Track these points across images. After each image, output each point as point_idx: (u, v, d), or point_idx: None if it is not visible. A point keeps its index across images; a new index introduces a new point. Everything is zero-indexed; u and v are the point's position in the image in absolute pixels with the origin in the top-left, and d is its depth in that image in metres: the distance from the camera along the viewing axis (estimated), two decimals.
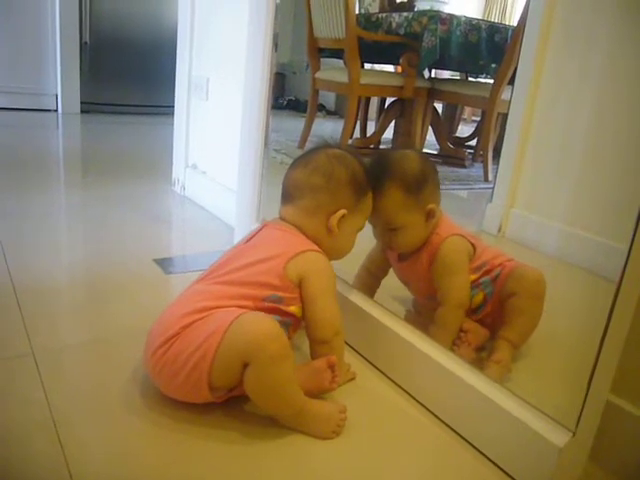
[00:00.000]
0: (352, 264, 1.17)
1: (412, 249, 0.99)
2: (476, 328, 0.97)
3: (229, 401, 0.80)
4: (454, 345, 0.94)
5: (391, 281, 1.10)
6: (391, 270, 1.10)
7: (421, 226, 0.97)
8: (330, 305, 0.86)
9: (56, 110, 3.62)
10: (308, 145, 2.97)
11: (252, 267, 0.83)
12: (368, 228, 0.99)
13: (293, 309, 0.84)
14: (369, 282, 1.10)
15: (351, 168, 0.90)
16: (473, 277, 0.98)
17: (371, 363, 0.99)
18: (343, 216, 0.88)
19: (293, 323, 0.86)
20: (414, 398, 0.90)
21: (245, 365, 0.72)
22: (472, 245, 0.99)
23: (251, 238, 0.91)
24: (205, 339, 0.73)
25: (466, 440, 0.81)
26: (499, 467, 0.76)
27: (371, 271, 1.10)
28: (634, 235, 0.63)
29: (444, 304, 0.96)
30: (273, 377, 0.73)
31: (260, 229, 0.92)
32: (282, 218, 0.91)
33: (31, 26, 3.44)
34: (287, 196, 0.91)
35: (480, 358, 0.93)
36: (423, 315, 1.04)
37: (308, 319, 0.86)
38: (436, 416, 0.86)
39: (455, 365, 0.84)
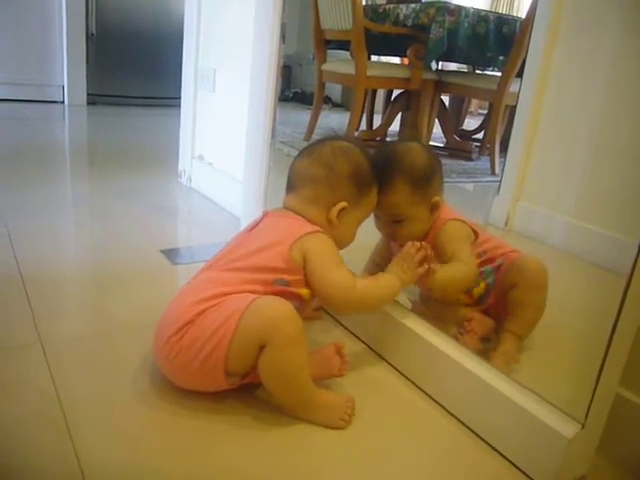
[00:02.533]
0: (359, 255, 1.17)
1: (415, 239, 0.98)
2: (480, 317, 0.97)
3: (241, 389, 0.81)
4: (458, 334, 0.93)
5: None
6: None
7: (425, 218, 0.98)
8: (333, 278, 0.84)
9: (62, 102, 3.62)
10: (314, 137, 2.96)
11: (259, 253, 0.83)
12: (371, 220, 0.99)
13: (303, 292, 0.85)
14: (374, 272, 1.09)
15: (354, 161, 0.89)
16: None
17: (378, 354, 0.99)
18: (344, 208, 0.88)
19: (300, 307, 0.85)
20: (421, 389, 0.90)
21: (261, 348, 0.73)
22: (473, 231, 0.99)
23: (254, 227, 0.91)
24: (221, 324, 0.74)
25: (473, 432, 0.81)
26: (507, 458, 0.76)
27: (376, 262, 1.11)
28: None
29: (460, 260, 0.94)
30: (288, 359, 0.74)
31: (262, 218, 0.92)
32: (286, 207, 0.92)
33: (37, 18, 3.43)
34: (290, 185, 0.92)
35: (487, 349, 0.93)
36: (430, 306, 1.04)
37: (318, 297, 0.87)
38: (443, 407, 0.86)
39: (463, 357, 0.84)
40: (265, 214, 0.92)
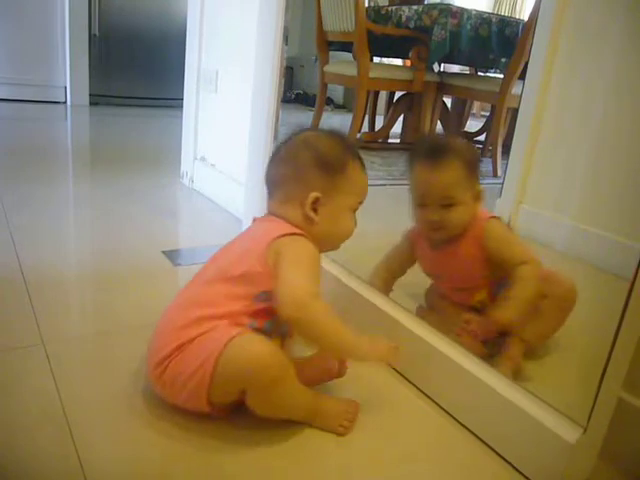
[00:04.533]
0: (364, 259, 1.17)
1: (459, 230, 0.96)
2: (481, 320, 0.96)
3: None
4: (456, 334, 0.92)
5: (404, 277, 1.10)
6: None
7: (470, 207, 0.95)
8: (293, 279, 0.74)
9: (65, 102, 3.63)
10: None
11: (241, 259, 0.79)
12: (366, 225, 0.96)
13: None
14: (389, 281, 1.07)
15: (315, 148, 0.83)
16: None
17: None
18: (317, 200, 0.81)
19: (288, 328, 0.81)
20: (424, 393, 0.90)
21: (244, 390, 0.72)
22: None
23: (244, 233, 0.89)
24: (198, 367, 0.71)
25: (476, 435, 0.81)
26: (509, 462, 0.76)
27: (392, 269, 1.07)
28: None
29: (526, 263, 0.92)
30: (276, 397, 0.73)
31: (252, 224, 0.89)
32: (270, 213, 0.87)
33: (40, 18, 3.44)
34: (268, 191, 0.88)
35: (491, 354, 0.92)
36: (437, 311, 1.04)
37: (274, 299, 0.75)
38: (446, 411, 0.86)
39: (466, 360, 0.84)
40: (254, 220, 0.89)
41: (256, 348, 0.71)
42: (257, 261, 0.76)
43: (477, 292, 0.99)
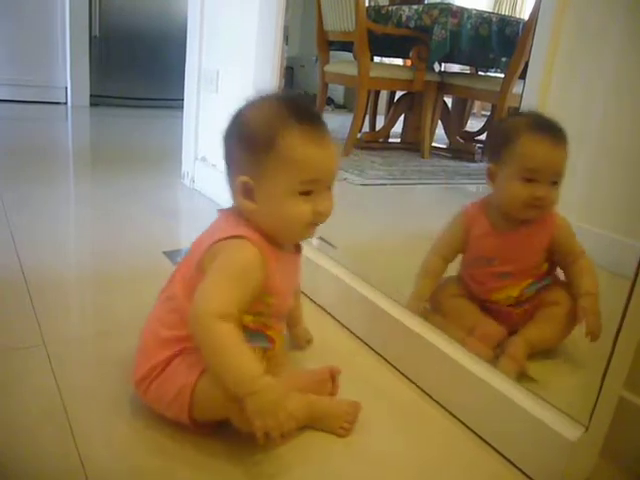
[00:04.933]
0: (365, 258, 1.16)
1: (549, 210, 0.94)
2: (493, 328, 0.95)
3: None
4: (467, 338, 0.92)
5: (399, 275, 1.09)
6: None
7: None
8: (207, 290, 0.67)
9: (66, 103, 3.63)
10: None
11: (189, 264, 0.74)
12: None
13: (269, 333, 0.77)
14: (441, 268, 1.04)
15: (239, 122, 0.72)
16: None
17: (382, 357, 0.99)
18: (245, 185, 0.70)
19: (269, 348, 0.77)
20: (424, 391, 0.90)
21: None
22: None
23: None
24: (175, 396, 0.70)
25: (477, 434, 0.81)
26: (511, 461, 0.76)
27: (444, 255, 1.03)
28: None
29: (583, 256, 0.93)
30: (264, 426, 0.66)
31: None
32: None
33: (41, 19, 3.44)
34: None
35: (495, 354, 0.92)
36: (445, 311, 1.03)
37: None
38: (447, 410, 0.86)
39: (468, 360, 0.84)
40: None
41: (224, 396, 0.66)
42: (196, 270, 0.71)
43: (521, 282, 0.97)
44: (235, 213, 0.74)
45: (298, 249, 0.80)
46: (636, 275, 0.65)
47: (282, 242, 0.75)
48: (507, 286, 0.97)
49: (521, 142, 0.91)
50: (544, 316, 0.95)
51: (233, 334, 0.66)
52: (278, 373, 0.76)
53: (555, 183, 0.91)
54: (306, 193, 0.70)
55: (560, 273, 1.00)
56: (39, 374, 0.83)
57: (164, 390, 0.71)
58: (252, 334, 0.72)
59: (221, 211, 0.78)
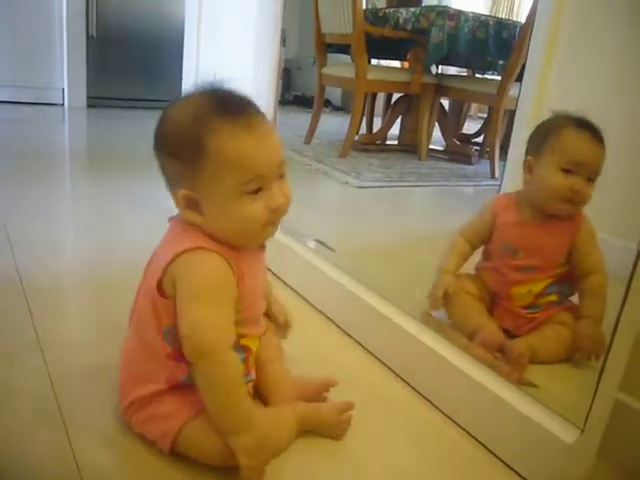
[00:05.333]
0: (363, 261, 1.16)
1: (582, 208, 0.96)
2: (496, 335, 0.96)
3: None
4: (466, 346, 0.92)
5: (398, 278, 1.10)
6: None
7: None
8: (202, 315, 0.63)
9: (62, 104, 3.62)
10: (314, 141, 2.96)
11: (151, 289, 0.68)
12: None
13: (245, 342, 0.73)
14: (467, 254, 1.05)
15: (163, 130, 0.65)
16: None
17: (381, 361, 0.99)
18: (188, 198, 0.65)
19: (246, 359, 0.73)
20: (421, 394, 0.90)
21: None
22: None
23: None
24: (157, 439, 0.69)
25: (473, 437, 0.81)
26: (507, 464, 0.76)
27: (470, 239, 1.04)
28: None
29: (599, 272, 0.94)
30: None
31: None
32: None
33: (38, 20, 3.43)
34: None
35: (495, 356, 0.92)
36: (453, 311, 1.03)
37: None
38: (442, 412, 0.86)
39: (465, 363, 0.84)
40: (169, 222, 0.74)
41: (210, 441, 0.65)
42: (158, 291, 0.66)
43: (544, 279, 0.97)
44: (182, 227, 0.68)
45: (261, 246, 0.74)
46: (631, 277, 0.65)
47: (243, 246, 0.68)
48: (530, 280, 0.98)
49: (564, 135, 0.93)
50: (550, 331, 0.96)
51: (237, 366, 0.64)
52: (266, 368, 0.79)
53: (591, 180, 0.92)
54: (254, 192, 0.63)
55: (575, 298, 1.00)
56: (35, 378, 0.83)
57: (146, 429, 0.70)
58: None
59: (173, 220, 0.72)
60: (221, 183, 0.62)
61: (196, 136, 0.61)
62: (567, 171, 0.92)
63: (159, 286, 0.66)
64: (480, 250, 1.07)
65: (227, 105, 0.64)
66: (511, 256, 0.99)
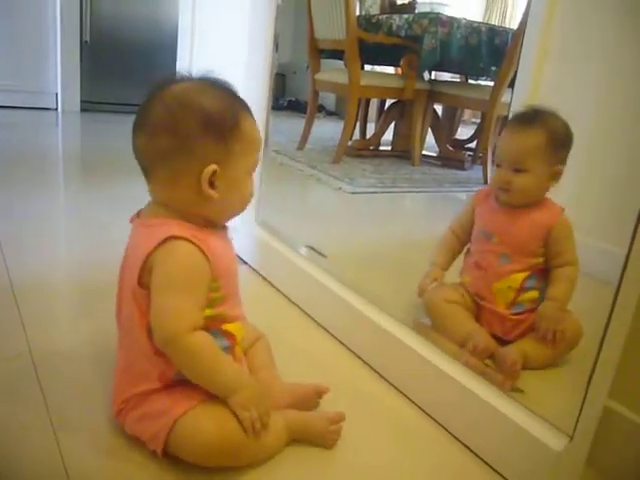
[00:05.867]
0: (356, 266, 1.16)
1: (523, 200, 0.99)
2: (487, 341, 0.96)
3: None
4: (461, 353, 0.92)
5: (390, 284, 1.10)
6: None
7: (542, 181, 0.98)
8: (164, 306, 0.66)
9: (56, 109, 3.61)
10: (308, 146, 2.97)
11: (126, 291, 0.73)
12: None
13: (228, 327, 0.74)
14: (455, 247, 1.10)
15: (199, 108, 0.67)
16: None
17: (373, 368, 0.99)
18: (214, 173, 0.68)
19: (231, 347, 0.74)
20: (411, 400, 0.90)
21: None
22: None
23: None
24: (151, 439, 0.69)
25: (463, 444, 0.81)
26: (497, 471, 0.76)
27: (458, 234, 1.10)
28: (633, 239, 0.63)
29: (572, 264, 0.97)
30: (241, 460, 0.70)
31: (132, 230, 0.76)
32: (152, 199, 0.75)
33: (32, 25, 3.43)
34: (143, 170, 0.73)
35: (485, 364, 0.92)
36: (442, 318, 1.03)
37: None
38: (433, 419, 0.86)
39: (454, 370, 0.84)
40: (132, 221, 0.76)
41: (202, 437, 0.66)
42: (140, 287, 0.68)
43: (521, 271, 0.99)
44: (154, 222, 0.70)
45: (223, 225, 0.77)
46: (620, 283, 0.65)
47: (220, 223, 0.74)
48: (508, 273, 0.99)
49: (501, 134, 1.04)
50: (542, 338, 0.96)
51: (207, 343, 0.67)
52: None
53: (519, 170, 0.97)
54: (252, 172, 0.74)
55: None
56: (25, 384, 0.83)
57: (140, 430, 0.70)
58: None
59: (138, 223, 0.74)
60: (244, 159, 0.70)
61: (234, 115, 0.69)
62: (498, 165, 1.00)
63: (140, 279, 0.68)
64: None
65: (240, 96, 0.73)
66: (486, 241, 1.03)
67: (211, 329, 0.69)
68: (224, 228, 0.77)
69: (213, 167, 0.67)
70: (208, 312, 0.69)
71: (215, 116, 0.68)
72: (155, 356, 0.68)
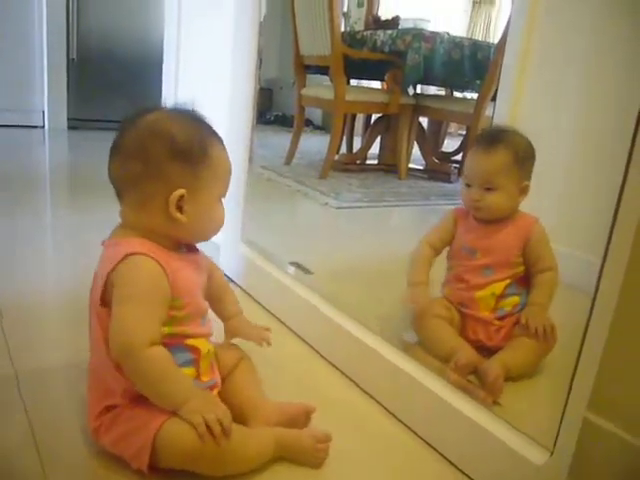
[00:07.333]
0: (347, 287, 1.17)
1: (497, 215, 1.02)
2: (470, 356, 0.97)
3: None
4: (447, 369, 0.93)
5: (380, 303, 1.10)
6: None
7: (513, 196, 1.01)
8: (122, 319, 0.67)
9: (43, 126, 3.61)
10: (295, 161, 2.98)
11: (92, 311, 0.73)
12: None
13: (191, 343, 0.75)
14: (430, 255, 1.10)
15: (167, 135, 0.70)
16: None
17: (359, 386, 0.99)
18: (182, 198, 0.70)
19: (196, 361, 0.75)
20: (392, 413, 0.90)
21: None
22: None
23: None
24: (133, 456, 0.69)
25: (444, 457, 0.81)
26: None
27: (435, 246, 1.10)
28: (606, 250, 0.64)
29: (551, 270, 1.01)
30: (226, 468, 0.70)
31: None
32: (121, 221, 0.78)
33: (18, 42, 3.43)
34: (116, 193, 0.77)
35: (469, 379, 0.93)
36: (427, 334, 1.04)
37: None
38: (414, 432, 0.86)
39: (436, 385, 0.85)
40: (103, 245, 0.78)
41: (184, 444, 0.66)
42: (97, 314, 0.71)
43: (502, 279, 1.02)
44: (119, 242, 0.72)
45: (192, 249, 0.79)
46: (596, 293, 0.65)
47: (192, 244, 0.78)
48: (490, 283, 1.02)
49: (468, 155, 1.06)
50: (519, 342, 0.99)
51: (162, 357, 0.68)
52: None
53: (490, 189, 1.00)
54: (222, 198, 0.77)
55: None
56: (9, 405, 0.82)
57: (120, 448, 0.70)
58: (170, 349, 0.70)
59: (106, 243, 0.76)
60: (214, 185, 0.74)
61: (202, 143, 0.72)
62: (467, 185, 1.03)
63: (103, 297, 0.70)
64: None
65: (209, 124, 0.76)
66: (470, 256, 1.05)
67: (172, 345, 0.70)
68: (195, 251, 0.80)
69: (181, 192, 0.70)
70: (168, 330, 0.71)
71: (183, 144, 0.71)
72: (117, 372, 0.69)
